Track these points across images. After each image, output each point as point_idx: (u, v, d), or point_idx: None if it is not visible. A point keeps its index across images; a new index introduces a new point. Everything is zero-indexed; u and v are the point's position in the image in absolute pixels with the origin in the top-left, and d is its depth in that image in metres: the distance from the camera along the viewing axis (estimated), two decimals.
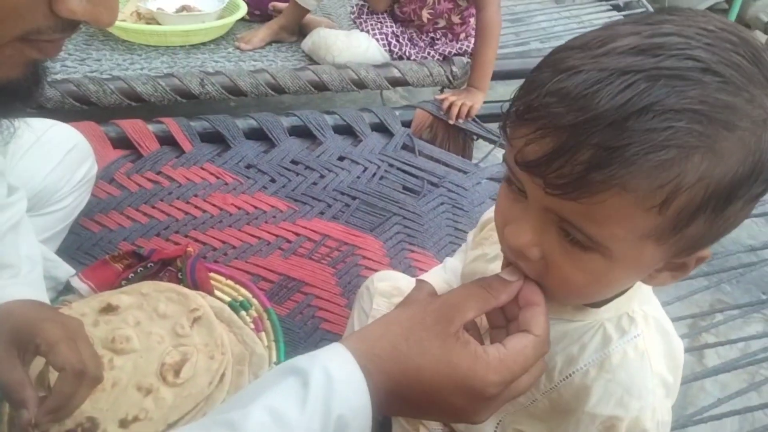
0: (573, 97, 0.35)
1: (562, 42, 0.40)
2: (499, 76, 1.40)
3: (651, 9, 1.76)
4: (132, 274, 0.89)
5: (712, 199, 0.35)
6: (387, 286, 0.79)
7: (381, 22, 1.46)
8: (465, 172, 1.26)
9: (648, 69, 0.34)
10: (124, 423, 0.71)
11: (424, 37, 1.47)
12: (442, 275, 0.73)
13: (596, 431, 0.48)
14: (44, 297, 0.76)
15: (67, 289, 0.89)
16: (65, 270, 0.88)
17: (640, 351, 0.47)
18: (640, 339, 0.47)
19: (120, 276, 0.89)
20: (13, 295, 0.66)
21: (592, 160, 0.34)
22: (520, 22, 1.93)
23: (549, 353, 0.50)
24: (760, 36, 3.24)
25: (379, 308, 0.77)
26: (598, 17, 1.85)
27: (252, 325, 0.86)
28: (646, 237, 0.37)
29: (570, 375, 0.49)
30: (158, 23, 1.51)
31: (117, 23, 1.44)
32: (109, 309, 0.83)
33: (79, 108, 1.18)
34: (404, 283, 0.82)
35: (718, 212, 0.36)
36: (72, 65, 1.33)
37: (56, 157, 0.89)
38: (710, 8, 3.19)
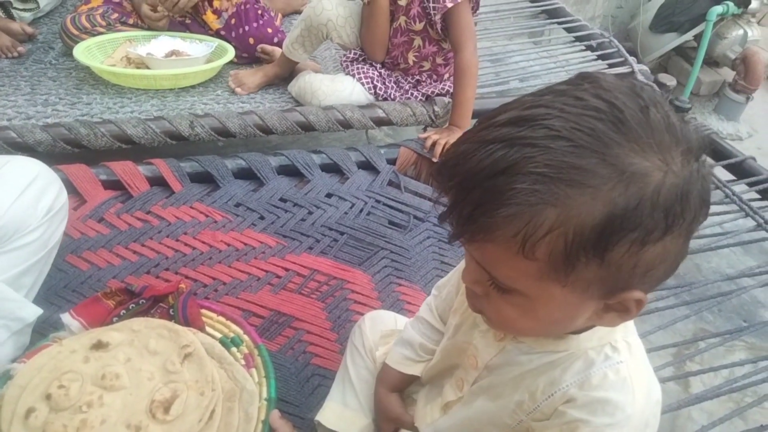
0: (452, 165, 0.43)
1: (540, 80, 0.46)
2: (480, 114, 1.46)
3: (622, 48, 1.85)
4: (123, 311, 0.89)
5: (578, 246, 0.40)
6: (384, 327, 0.85)
7: (370, 67, 1.52)
8: None
9: (508, 139, 0.40)
10: None
11: (409, 79, 1.53)
12: (402, 352, 0.77)
13: (558, 429, 0.51)
14: None
15: (58, 325, 0.90)
16: (31, 311, 0.87)
17: (622, 376, 0.50)
18: (623, 365, 0.50)
19: (111, 313, 0.89)
20: None
21: (468, 215, 0.41)
22: (499, 62, 2.01)
23: (532, 379, 0.53)
24: (727, 72, 3.39)
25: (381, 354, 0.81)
26: (573, 56, 1.93)
27: (243, 362, 0.87)
28: (540, 278, 0.42)
29: (552, 395, 0.51)
30: (148, 68, 1.56)
31: (108, 68, 1.49)
32: (99, 345, 0.83)
33: (70, 151, 1.20)
34: (395, 322, 0.87)
35: (597, 256, 0.40)
36: (63, 109, 1.36)
37: (16, 188, 0.88)
38: (680, 46, 3.34)
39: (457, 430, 0.63)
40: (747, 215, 1.27)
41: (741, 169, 1.40)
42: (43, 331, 0.90)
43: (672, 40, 3.27)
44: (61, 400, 0.76)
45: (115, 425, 0.75)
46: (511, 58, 2.06)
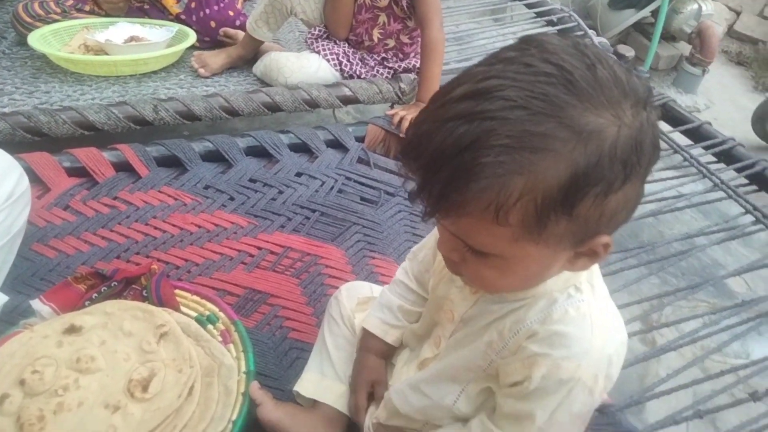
0: (416, 146, 0.44)
1: None
2: None
3: (582, 22, 1.88)
4: (95, 295, 0.89)
5: (548, 207, 0.42)
6: (360, 296, 0.86)
7: (335, 44, 1.52)
8: None
9: (467, 115, 0.41)
10: None
11: (375, 56, 1.53)
12: (380, 316, 0.79)
13: (520, 363, 0.53)
14: None
15: (28, 313, 0.88)
16: None
17: (582, 313, 0.52)
18: (584, 303, 0.53)
19: (83, 297, 0.88)
20: None
21: (438, 194, 0.43)
22: (462, 41, 2.02)
23: (501, 320, 0.55)
24: (683, 46, 3.48)
25: (360, 319, 0.82)
26: (535, 32, 1.96)
27: (220, 338, 0.87)
28: (515, 240, 0.44)
29: (517, 332, 0.54)
30: (107, 55, 1.52)
31: (66, 55, 1.45)
32: (72, 330, 0.82)
33: (30, 140, 1.18)
34: (371, 291, 0.88)
35: (566, 213, 0.42)
36: (20, 98, 1.33)
37: None
38: (638, 22, 3.41)
39: (431, 381, 0.65)
40: (704, 176, 1.32)
41: (698, 134, 1.45)
42: (11, 320, 0.89)
43: (630, 16, 3.34)
44: (35, 385, 0.75)
45: (93, 406, 0.75)
46: (474, 37, 2.07)
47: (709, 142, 1.41)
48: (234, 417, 0.76)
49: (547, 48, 0.43)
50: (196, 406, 0.78)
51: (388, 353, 0.79)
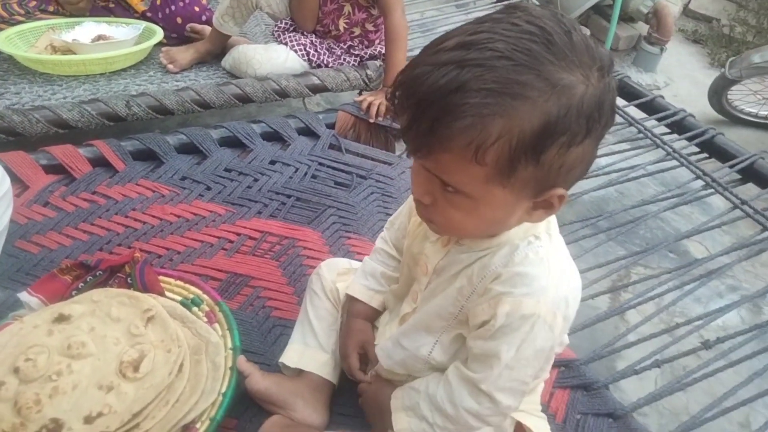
0: (409, 85, 0.48)
1: None
2: None
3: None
4: (82, 284, 0.92)
5: (520, 150, 0.47)
6: (340, 270, 0.90)
7: (302, 35, 1.55)
8: (390, 164, 1.36)
9: (459, 61, 0.46)
10: (88, 419, 0.75)
11: (341, 45, 1.57)
12: (364, 283, 0.84)
13: (486, 304, 0.59)
14: None
15: (15, 307, 0.91)
16: None
17: (540, 256, 0.58)
18: (542, 248, 0.59)
19: (70, 287, 0.91)
20: None
21: (426, 130, 0.48)
22: (426, 27, 2.08)
23: (468, 266, 0.61)
24: (641, 27, 3.59)
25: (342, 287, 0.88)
26: None
27: (205, 319, 0.91)
28: (486, 182, 0.50)
29: (484, 276, 0.59)
30: (75, 54, 1.53)
31: (31, 56, 1.46)
32: (61, 318, 0.85)
33: (5, 140, 1.19)
34: (349, 265, 0.93)
35: (534, 158, 0.48)
36: None
37: None
38: (597, 4, 3.50)
39: (408, 333, 0.70)
40: (657, 147, 1.40)
41: (652, 107, 1.53)
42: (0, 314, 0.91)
43: (588, 0, 3.43)
44: (29, 371, 0.78)
45: (87, 388, 0.78)
46: (438, 23, 2.13)
47: (661, 114, 1.49)
48: (224, 389, 0.80)
49: (531, 12, 0.49)
50: (187, 382, 0.82)
51: (373, 317, 0.84)
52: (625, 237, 2.03)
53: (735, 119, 3.14)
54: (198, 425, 0.78)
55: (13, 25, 1.60)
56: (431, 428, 0.66)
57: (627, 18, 3.59)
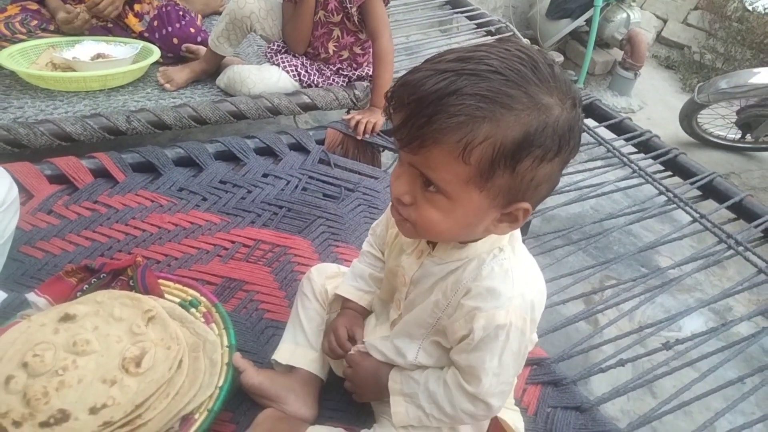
0: (411, 86, 0.55)
1: None
2: None
3: (516, 31, 2.07)
4: (86, 286, 0.97)
5: (501, 155, 0.54)
6: (329, 274, 0.97)
7: (293, 57, 1.64)
8: (376, 178, 1.44)
9: (457, 70, 0.54)
10: (93, 410, 0.79)
11: (330, 66, 1.66)
12: (354, 284, 0.91)
13: (462, 320, 0.66)
14: None
15: (22, 308, 0.96)
16: None
17: (504, 269, 0.65)
18: (506, 261, 0.66)
19: (75, 289, 0.97)
20: None
21: (422, 124, 0.54)
22: (411, 51, 2.18)
23: (444, 282, 0.68)
24: (616, 53, 3.75)
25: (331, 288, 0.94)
26: (476, 41, 2.14)
27: (202, 319, 0.97)
28: (467, 182, 0.56)
29: (456, 291, 0.67)
30: (75, 71, 1.60)
31: (34, 72, 1.53)
32: (67, 318, 0.91)
33: (10, 151, 1.25)
34: (338, 270, 0.99)
35: (511, 166, 0.55)
36: None
37: None
38: (574, 30, 3.66)
39: (397, 337, 0.78)
40: (625, 165, 1.50)
41: (620, 128, 1.64)
42: (7, 315, 0.96)
43: (566, 26, 3.59)
44: (37, 366, 0.83)
45: (91, 382, 0.83)
46: (423, 47, 2.23)
47: (629, 135, 1.60)
48: (220, 383, 0.86)
49: (521, 44, 0.57)
50: (186, 376, 0.88)
51: (363, 315, 0.90)
52: (599, 251, 2.14)
53: (705, 141, 3.29)
54: (196, 416, 0.83)
55: (15, 43, 1.67)
56: (426, 417, 0.74)
57: (603, 44, 3.75)
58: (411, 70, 0.58)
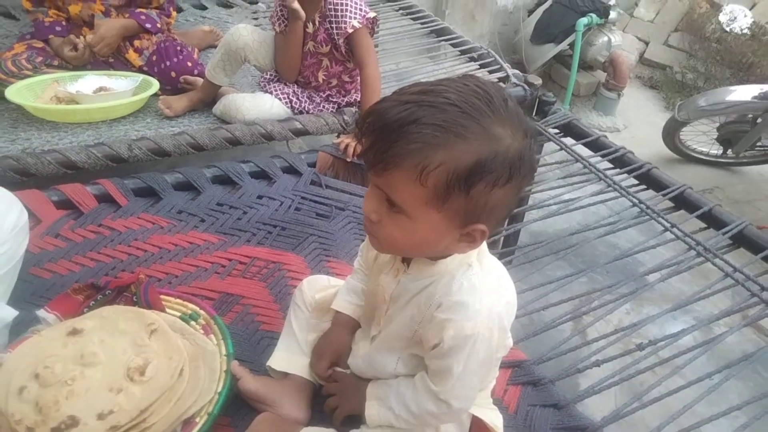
0: (378, 114, 0.63)
1: None
2: None
3: (498, 57, 2.18)
4: (92, 302, 1.04)
5: (455, 180, 0.60)
6: (320, 286, 1.03)
7: (285, 85, 1.74)
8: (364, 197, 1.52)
9: (418, 101, 0.61)
10: (101, 416, 0.85)
11: (321, 94, 1.76)
12: (348, 299, 0.97)
13: (434, 330, 0.72)
14: None
15: (33, 324, 1.03)
16: (8, 312, 1.00)
17: (473, 283, 0.71)
18: (474, 276, 0.72)
19: (82, 305, 1.04)
20: None
21: (385, 149, 0.61)
22: (401, 77, 2.28)
23: (418, 297, 0.75)
24: (600, 74, 3.88)
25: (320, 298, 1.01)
26: (461, 67, 2.24)
27: (202, 331, 1.03)
28: (425, 204, 0.62)
29: (430, 305, 0.73)
30: (78, 104, 1.69)
31: (40, 106, 1.62)
32: (75, 332, 0.97)
33: (19, 180, 1.33)
34: (328, 282, 1.06)
35: (465, 190, 0.60)
36: (4, 145, 1.48)
37: None
38: (559, 54, 3.79)
39: (376, 352, 0.85)
40: (600, 179, 1.59)
41: (596, 145, 1.73)
42: (18, 332, 1.02)
43: (550, 50, 3.72)
44: (48, 377, 0.89)
45: (99, 390, 0.89)
46: (412, 74, 2.34)
47: (605, 151, 1.69)
48: (219, 389, 0.92)
49: (479, 80, 0.64)
50: (187, 384, 0.93)
51: (355, 327, 0.97)
52: (581, 261, 2.21)
53: (688, 158, 3.39)
54: (197, 419, 0.89)
55: (22, 78, 1.76)
56: (395, 418, 0.80)
57: (586, 66, 3.89)
58: (380, 99, 0.65)
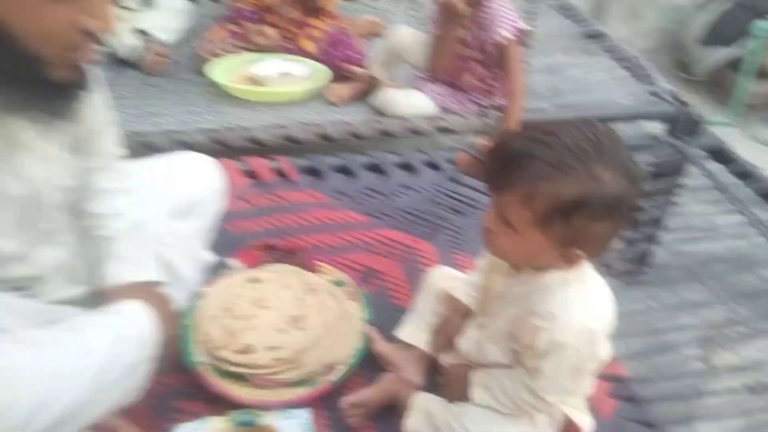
0: (502, 145, 0.77)
1: (593, 94, 0.83)
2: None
3: (646, 68, 2.13)
4: (268, 259, 1.32)
5: (557, 209, 0.71)
6: (445, 276, 1.19)
7: (435, 84, 1.91)
8: None
9: (537, 140, 0.74)
10: (270, 349, 1.09)
11: (467, 95, 1.91)
12: (467, 291, 1.11)
13: (530, 333, 0.84)
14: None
15: (224, 266, 1.31)
16: (210, 255, 1.27)
17: (567, 298, 0.81)
18: (570, 292, 0.82)
19: (259, 260, 1.32)
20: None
21: (502, 175, 0.75)
22: (553, 70, 2.30)
23: (520, 300, 0.88)
24: None
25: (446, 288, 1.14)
26: (612, 72, 2.22)
27: (347, 296, 1.26)
28: (530, 224, 0.74)
29: (528, 312, 0.85)
30: (263, 86, 2.01)
31: (237, 86, 1.94)
32: (254, 280, 1.24)
33: (219, 149, 1.66)
34: (453, 274, 1.21)
35: (565, 219, 0.72)
36: (204, 118, 1.83)
37: (197, 173, 1.26)
38: (730, 58, 3.44)
39: (484, 340, 0.99)
40: (741, 213, 1.55)
41: (748, 175, 1.67)
42: (215, 271, 1.29)
43: (723, 54, 3.42)
44: (234, 310, 1.16)
45: (268, 329, 1.13)
46: (564, 70, 2.33)
47: (759, 186, 1.62)
48: (357, 346, 1.14)
49: (596, 127, 0.74)
50: (334, 336, 1.16)
51: (469, 315, 1.12)
52: (721, 290, 2.12)
53: None
54: (340, 366, 1.12)
55: (218, 57, 2.11)
56: (497, 404, 0.94)
57: (764, 75, 3.50)
58: (506, 134, 0.80)
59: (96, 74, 0.86)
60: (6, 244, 0.80)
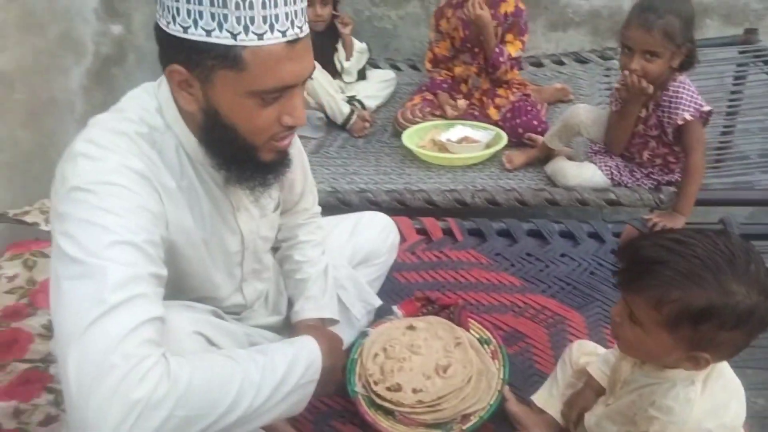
0: (636, 247, 0.85)
1: None
2: (702, 203, 1.75)
3: None
4: (425, 310, 1.52)
5: (686, 316, 0.76)
6: (587, 350, 1.25)
7: (610, 158, 1.94)
8: None
9: (669, 248, 0.80)
10: (414, 390, 1.27)
11: (642, 170, 1.90)
12: (602, 368, 1.12)
13: (645, 420, 0.89)
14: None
15: (388, 312, 1.55)
16: (377, 300, 1.48)
17: (688, 397, 0.85)
18: (692, 392, 0.85)
19: (418, 310, 1.52)
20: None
21: (633, 277, 0.83)
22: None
23: (641, 389, 0.93)
24: None
25: (585, 363, 1.19)
26: None
27: (490, 354, 1.39)
28: (657, 324, 0.80)
29: (647, 400, 0.90)
30: (447, 150, 2.25)
31: (420, 151, 2.22)
32: (411, 327, 1.44)
33: (398, 207, 1.93)
34: (594, 349, 1.26)
35: (693, 324, 0.76)
36: (392, 178, 2.13)
37: (376, 230, 1.50)
38: None
39: (605, 417, 1.04)
40: None
41: None
42: (380, 315, 1.54)
43: None
44: (390, 352, 1.36)
45: (416, 373, 1.31)
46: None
47: None
48: (491, 401, 1.26)
49: (731, 240, 0.79)
50: (471, 389, 1.30)
51: (601, 393, 1.16)
52: None
53: None
54: (472, 417, 1.25)
55: (414, 124, 2.41)
56: None
57: None
58: (640, 235, 0.87)
59: (298, 148, 1.15)
60: (227, 281, 1.12)
